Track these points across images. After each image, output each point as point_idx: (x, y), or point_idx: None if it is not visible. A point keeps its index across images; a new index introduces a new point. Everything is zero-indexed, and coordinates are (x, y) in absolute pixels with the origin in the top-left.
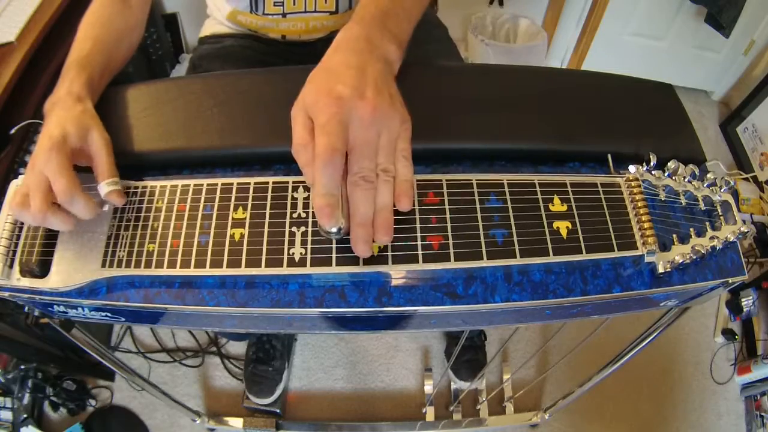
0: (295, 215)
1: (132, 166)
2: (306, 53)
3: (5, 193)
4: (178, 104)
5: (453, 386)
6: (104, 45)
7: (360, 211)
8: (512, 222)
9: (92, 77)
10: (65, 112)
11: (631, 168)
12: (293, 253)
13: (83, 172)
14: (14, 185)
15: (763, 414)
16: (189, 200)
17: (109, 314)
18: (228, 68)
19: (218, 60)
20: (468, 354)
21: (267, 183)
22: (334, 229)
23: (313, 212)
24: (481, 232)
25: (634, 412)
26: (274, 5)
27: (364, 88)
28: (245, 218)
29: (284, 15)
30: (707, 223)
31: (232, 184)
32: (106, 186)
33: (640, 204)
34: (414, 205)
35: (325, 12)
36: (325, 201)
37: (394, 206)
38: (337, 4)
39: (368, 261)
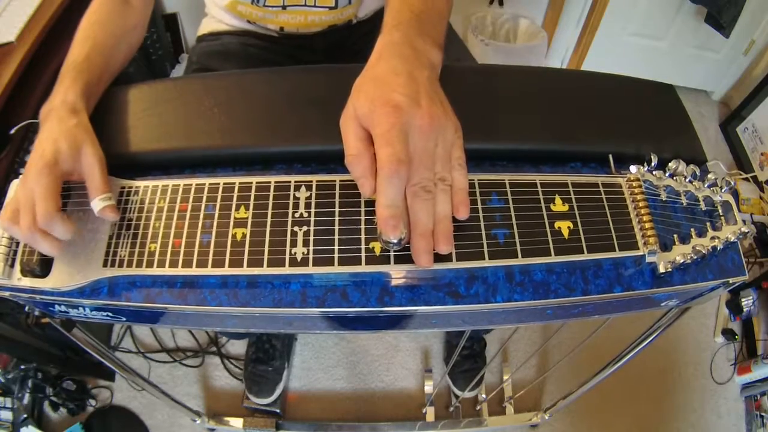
0: (297, 215)
1: (133, 165)
2: (303, 47)
3: (5, 193)
4: (178, 104)
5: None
6: (103, 46)
7: (422, 221)
8: (514, 222)
9: (90, 83)
10: (59, 125)
11: (633, 168)
12: (295, 253)
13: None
14: (14, 185)
15: (763, 414)
16: (191, 200)
17: (110, 314)
18: (226, 65)
19: (216, 57)
20: (467, 363)
21: (269, 182)
22: (395, 240)
23: (317, 212)
24: (483, 232)
25: (634, 412)
26: None
27: (419, 97)
28: (247, 218)
29: (284, 7)
30: (708, 223)
31: (234, 183)
32: (100, 202)
33: (641, 204)
34: None
35: (324, 7)
36: (390, 213)
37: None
38: None
39: (370, 261)
